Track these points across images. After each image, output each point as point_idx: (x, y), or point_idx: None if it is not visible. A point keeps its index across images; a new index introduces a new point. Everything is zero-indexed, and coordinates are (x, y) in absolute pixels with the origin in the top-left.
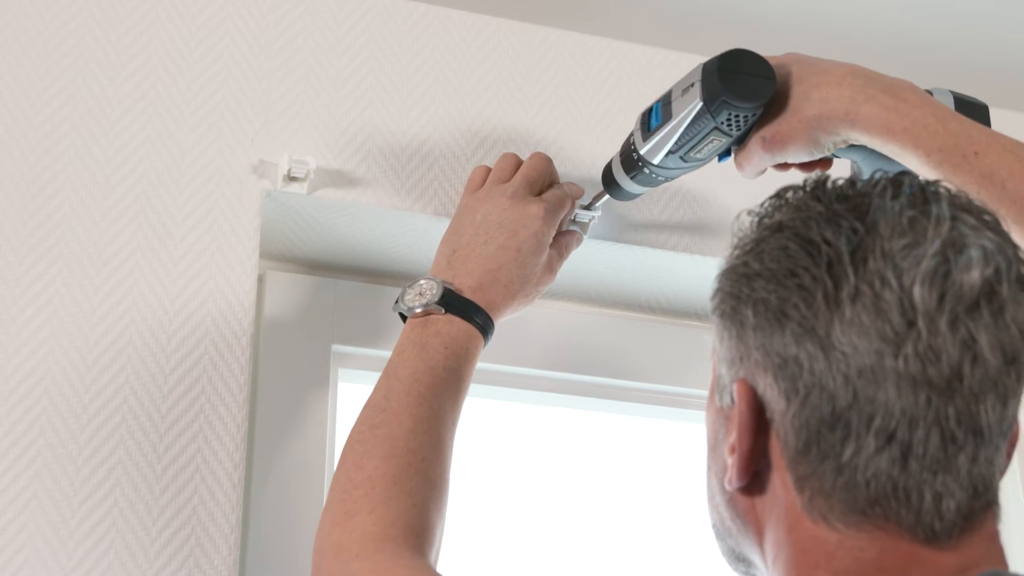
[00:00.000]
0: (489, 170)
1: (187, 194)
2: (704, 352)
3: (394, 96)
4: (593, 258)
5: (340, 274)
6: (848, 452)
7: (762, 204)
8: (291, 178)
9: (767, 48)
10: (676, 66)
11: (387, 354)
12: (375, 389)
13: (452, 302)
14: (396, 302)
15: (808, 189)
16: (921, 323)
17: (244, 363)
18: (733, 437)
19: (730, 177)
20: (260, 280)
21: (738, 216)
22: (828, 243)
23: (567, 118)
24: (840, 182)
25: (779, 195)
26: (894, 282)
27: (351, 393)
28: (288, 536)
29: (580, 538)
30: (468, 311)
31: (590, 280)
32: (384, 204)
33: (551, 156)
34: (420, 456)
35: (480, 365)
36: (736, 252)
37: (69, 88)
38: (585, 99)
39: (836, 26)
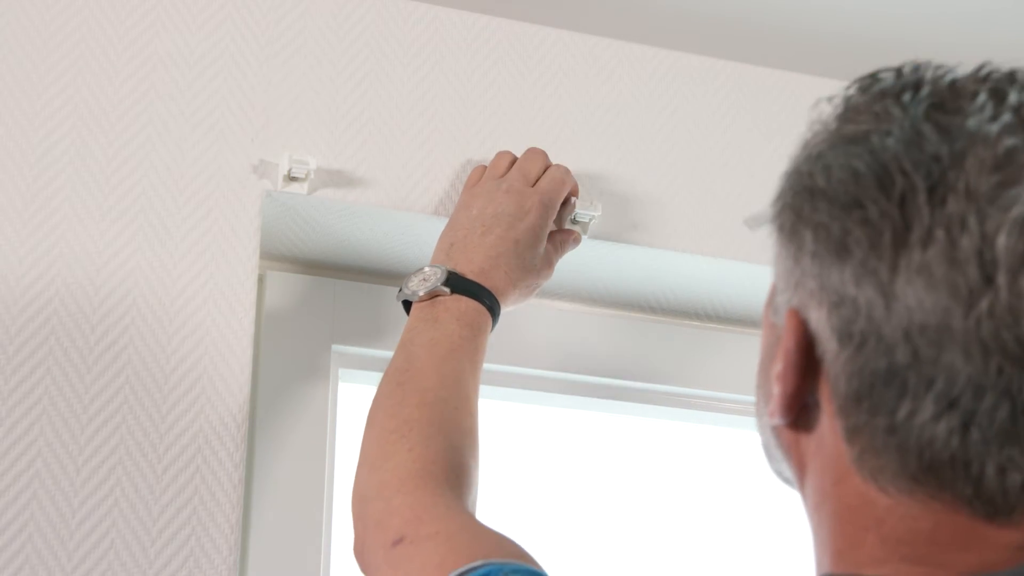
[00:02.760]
0: (485, 168)
1: (187, 194)
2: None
3: (394, 96)
4: (590, 258)
5: (340, 274)
6: (903, 412)
7: (848, 88)
8: (291, 178)
9: (767, 52)
10: (676, 66)
11: (388, 354)
12: (393, 360)
13: (458, 284)
14: (400, 291)
15: (898, 90)
16: (1001, 279)
17: (244, 363)
18: (779, 367)
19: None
20: (260, 280)
21: (817, 102)
22: (904, 173)
23: (567, 118)
24: (941, 77)
25: (868, 82)
26: (975, 228)
27: (351, 393)
28: (288, 536)
29: (584, 539)
30: (474, 290)
31: (586, 280)
32: (384, 204)
33: (552, 153)
34: (452, 405)
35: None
36: (806, 153)
37: (69, 88)
38: (585, 99)
39: (833, 29)
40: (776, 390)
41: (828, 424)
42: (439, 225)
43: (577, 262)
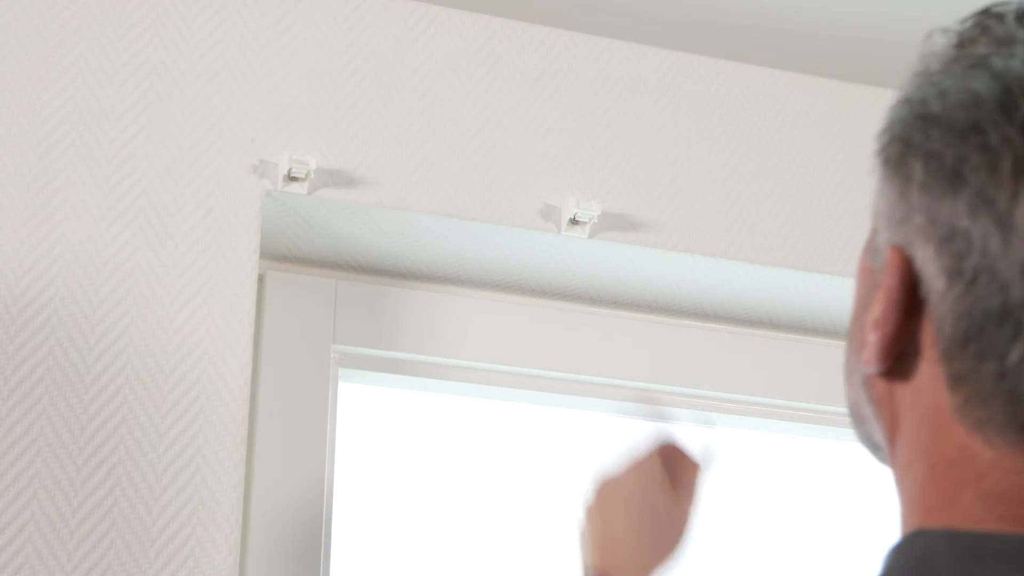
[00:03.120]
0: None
1: (187, 194)
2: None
3: (394, 96)
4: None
5: (340, 274)
6: (1015, 356)
7: (963, 21)
8: (291, 178)
9: (764, 52)
10: (676, 66)
11: (388, 353)
12: None
13: None
14: None
15: (1020, 14)
16: None
17: (244, 363)
18: (878, 311)
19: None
20: (260, 280)
21: (929, 34)
22: None
23: (567, 118)
24: None
25: (986, 12)
26: None
27: (351, 392)
28: (288, 536)
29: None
30: None
31: (590, 280)
32: (384, 204)
33: (553, 153)
34: None
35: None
36: (917, 82)
37: (69, 88)
38: (584, 99)
39: (835, 30)
40: (873, 336)
41: (928, 372)
42: (438, 224)
43: (580, 261)
